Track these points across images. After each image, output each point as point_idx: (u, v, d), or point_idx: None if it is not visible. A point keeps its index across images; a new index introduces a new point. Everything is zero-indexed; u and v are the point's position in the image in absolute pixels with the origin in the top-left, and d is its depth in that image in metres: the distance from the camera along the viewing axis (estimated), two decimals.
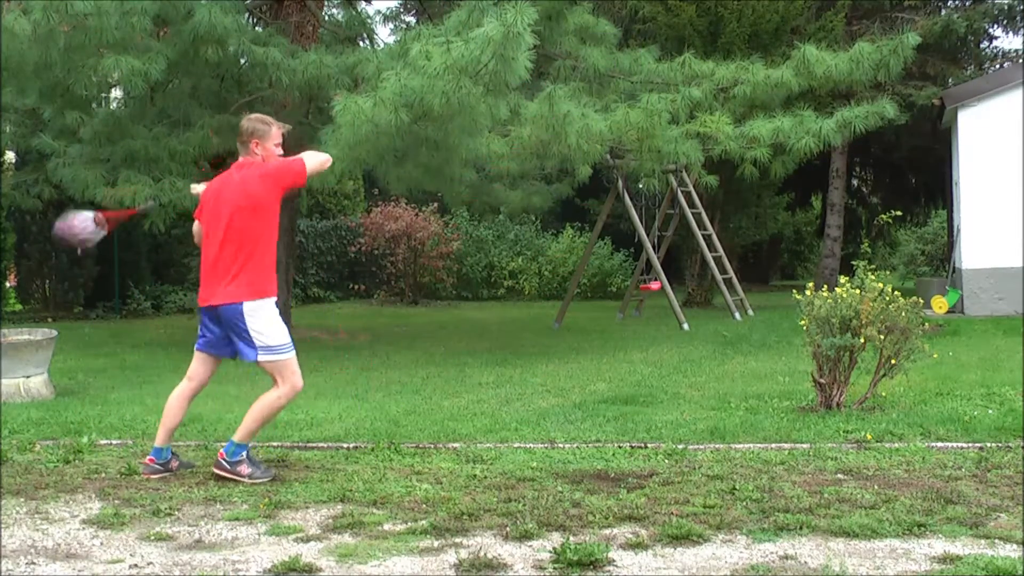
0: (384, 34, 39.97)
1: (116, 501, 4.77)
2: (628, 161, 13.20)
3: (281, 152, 5.33)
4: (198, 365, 5.33)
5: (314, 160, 5.31)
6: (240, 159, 5.30)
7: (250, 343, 5.10)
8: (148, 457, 5.32)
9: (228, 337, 5.19)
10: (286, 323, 14.47)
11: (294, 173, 5.23)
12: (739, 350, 10.90)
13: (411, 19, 20.20)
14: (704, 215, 15.87)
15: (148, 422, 6.76)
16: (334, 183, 11.62)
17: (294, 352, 5.20)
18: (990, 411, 6.63)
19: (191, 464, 5.44)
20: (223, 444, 5.33)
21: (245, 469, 5.10)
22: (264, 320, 5.11)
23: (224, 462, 5.12)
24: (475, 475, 5.13)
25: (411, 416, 7.00)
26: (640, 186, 15.41)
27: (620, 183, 14.69)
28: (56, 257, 16.56)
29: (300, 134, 11.69)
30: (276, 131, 5.28)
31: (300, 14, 12.56)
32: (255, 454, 5.67)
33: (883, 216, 18.13)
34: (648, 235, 14.94)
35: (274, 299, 5.18)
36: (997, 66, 21.42)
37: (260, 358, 5.11)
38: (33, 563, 3.90)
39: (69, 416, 6.98)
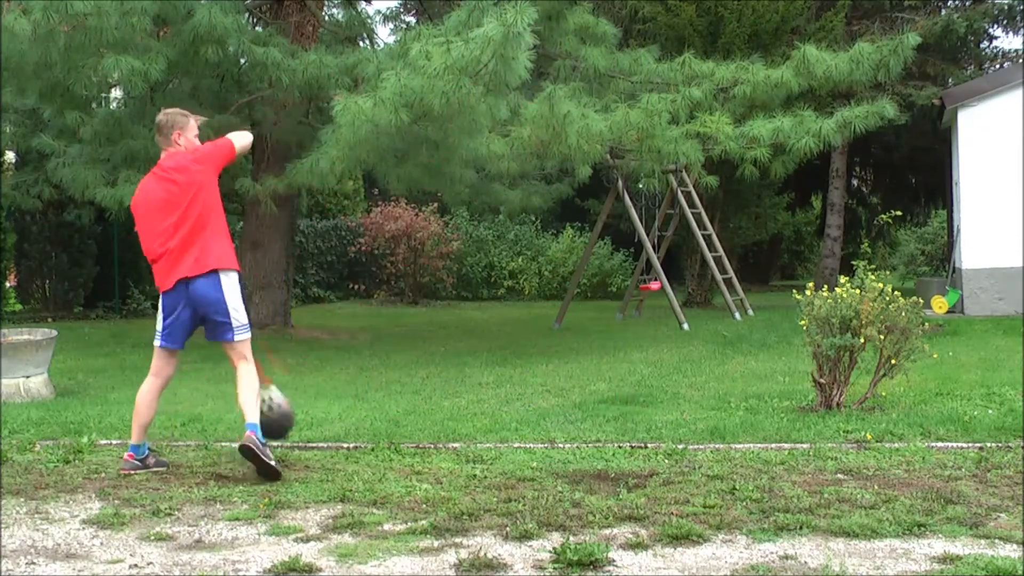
0: (384, 34, 40.00)
1: (116, 501, 4.77)
2: (628, 161, 13.20)
3: (199, 142, 5.53)
4: (161, 361, 5.41)
5: (240, 139, 5.56)
6: (164, 153, 5.42)
7: (227, 320, 5.21)
8: (127, 453, 5.42)
9: (194, 320, 5.28)
10: (285, 323, 14.42)
11: (225, 152, 5.47)
12: (739, 350, 10.90)
13: (411, 19, 20.21)
14: (704, 215, 15.87)
15: None
16: (334, 183, 11.63)
17: None
18: (990, 411, 6.63)
19: (165, 463, 5.45)
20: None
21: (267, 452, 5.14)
22: (237, 296, 5.29)
23: (257, 440, 5.07)
24: (475, 475, 5.13)
25: (411, 416, 6.99)
26: (640, 186, 15.41)
27: (620, 183, 14.69)
28: (56, 257, 16.57)
29: (300, 134, 11.72)
30: (194, 122, 5.50)
31: (300, 14, 12.57)
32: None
33: (883, 216, 18.11)
34: (648, 235, 14.94)
35: (239, 275, 5.36)
36: (997, 66, 21.42)
37: (237, 338, 5.23)
38: (33, 563, 3.90)
39: (69, 416, 6.98)
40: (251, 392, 5.25)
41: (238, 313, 5.24)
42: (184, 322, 5.28)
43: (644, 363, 9.92)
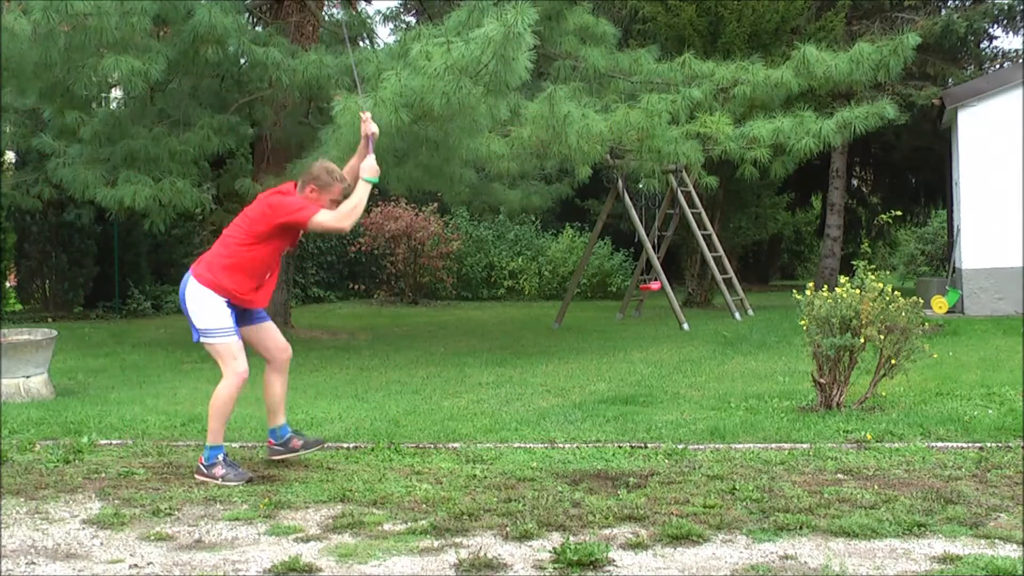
0: (384, 34, 40.01)
1: (116, 501, 4.77)
2: (628, 161, 13.20)
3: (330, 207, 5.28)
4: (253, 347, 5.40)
5: (325, 216, 5.14)
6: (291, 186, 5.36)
7: (189, 319, 5.22)
8: (268, 440, 5.48)
9: None
10: (285, 323, 14.33)
11: (297, 218, 5.15)
12: (739, 350, 10.90)
13: (411, 19, 20.21)
14: (704, 215, 15.87)
15: (148, 422, 6.76)
16: None
17: (235, 338, 5.20)
18: (990, 411, 6.63)
19: (319, 441, 5.55)
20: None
21: (219, 471, 5.11)
22: (201, 302, 5.17)
23: (201, 466, 5.17)
24: (475, 475, 5.13)
25: (411, 416, 6.99)
26: (640, 186, 15.41)
27: (620, 183, 14.69)
28: (56, 257, 16.57)
29: (300, 134, 11.72)
30: (337, 188, 5.23)
31: (300, 14, 12.56)
32: (255, 455, 5.68)
33: (883, 216, 18.14)
34: (648, 235, 14.94)
35: (222, 298, 5.16)
36: (997, 66, 21.42)
37: (199, 339, 5.21)
38: (33, 563, 3.90)
39: (69, 416, 6.97)
40: (212, 409, 5.18)
41: (195, 317, 5.16)
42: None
43: (644, 363, 9.92)
